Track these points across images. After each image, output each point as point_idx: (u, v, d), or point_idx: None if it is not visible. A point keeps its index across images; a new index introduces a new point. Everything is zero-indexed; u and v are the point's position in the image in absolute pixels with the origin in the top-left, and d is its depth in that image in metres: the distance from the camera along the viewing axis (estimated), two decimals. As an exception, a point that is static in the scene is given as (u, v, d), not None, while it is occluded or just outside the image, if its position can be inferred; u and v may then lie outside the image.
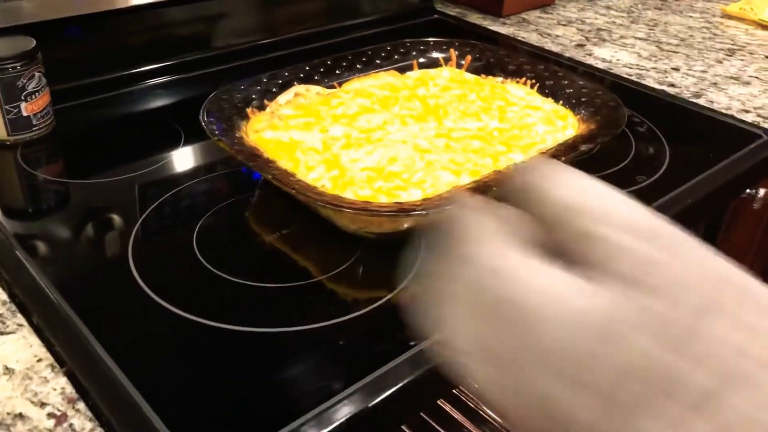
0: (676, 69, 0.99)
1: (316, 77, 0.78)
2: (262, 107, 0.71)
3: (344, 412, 0.43)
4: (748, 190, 0.82)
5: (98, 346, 0.47)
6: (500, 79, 0.82)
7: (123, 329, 0.50)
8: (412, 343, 0.48)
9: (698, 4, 1.31)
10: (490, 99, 0.76)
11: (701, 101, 0.89)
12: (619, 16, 1.21)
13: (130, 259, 0.56)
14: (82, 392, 0.45)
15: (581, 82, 0.76)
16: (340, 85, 0.78)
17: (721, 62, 1.02)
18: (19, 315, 0.51)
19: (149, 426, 0.42)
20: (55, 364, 0.47)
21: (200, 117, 0.63)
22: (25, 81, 0.71)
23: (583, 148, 0.63)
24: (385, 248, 0.59)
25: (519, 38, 1.09)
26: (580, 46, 1.07)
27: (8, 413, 0.43)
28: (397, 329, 0.51)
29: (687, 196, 0.68)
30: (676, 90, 0.92)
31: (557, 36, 1.10)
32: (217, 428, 0.43)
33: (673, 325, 0.21)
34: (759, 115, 0.85)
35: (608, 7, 1.26)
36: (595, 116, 0.71)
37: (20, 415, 0.43)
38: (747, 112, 0.86)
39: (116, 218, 0.63)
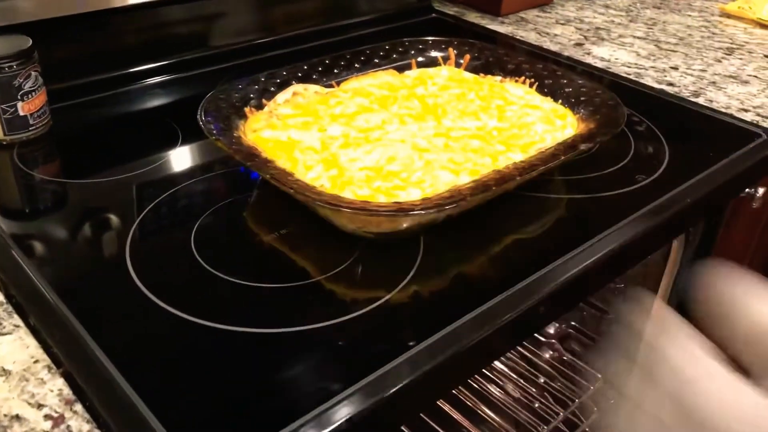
0: (675, 68, 0.99)
1: (314, 76, 0.77)
2: (260, 106, 0.71)
3: (343, 412, 0.43)
4: (747, 189, 0.82)
5: (95, 347, 0.47)
6: (499, 78, 0.81)
7: (120, 330, 0.50)
8: (411, 344, 0.48)
9: (697, 2, 1.31)
10: (488, 98, 0.75)
11: (700, 100, 0.89)
12: (618, 15, 1.21)
13: (127, 260, 0.56)
14: (80, 393, 0.44)
15: (580, 81, 0.76)
16: (338, 84, 0.78)
17: (719, 61, 1.02)
18: (15, 316, 0.51)
19: (147, 428, 0.41)
20: (52, 365, 0.46)
21: (198, 116, 0.63)
22: (21, 80, 0.70)
23: (583, 147, 0.63)
24: (383, 248, 0.59)
25: (517, 37, 1.09)
26: (579, 45, 1.07)
27: (5, 415, 0.43)
28: (396, 329, 0.51)
29: (686, 195, 0.68)
30: (675, 89, 0.92)
31: (556, 35, 1.10)
32: (215, 430, 0.43)
33: None
34: (758, 114, 0.85)
35: (607, 6, 1.26)
36: (595, 115, 0.70)
37: (17, 417, 0.43)
38: (746, 111, 0.86)
39: (113, 218, 0.62)
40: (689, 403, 0.24)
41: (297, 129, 0.67)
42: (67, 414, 0.43)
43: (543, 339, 1.05)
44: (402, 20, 1.12)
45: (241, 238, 0.62)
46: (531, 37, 1.09)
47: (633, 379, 0.27)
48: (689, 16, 1.23)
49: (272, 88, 0.73)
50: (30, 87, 0.71)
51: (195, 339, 0.49)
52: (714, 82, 0.95)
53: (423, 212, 0.53)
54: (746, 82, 0.95)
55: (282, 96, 0.73)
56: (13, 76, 0.70)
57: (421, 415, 0.80)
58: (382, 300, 0.53)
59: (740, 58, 1.04)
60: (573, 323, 1.03)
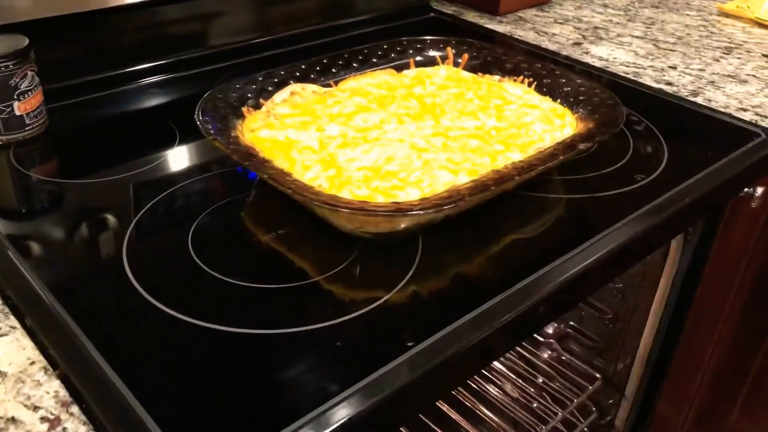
0: (673, 67, 0.99)
1: (312, 76, 0.77)
2: (257, 106, 0.71)
3: (342, 413, 0.43)
4: (746, 189, 0.82)
5: (92, 348, 0.47)
6: (497, 77, 0.81)
7: (117, 331, 0.50)
8: (410, 344, 0.48)
9: (695, 2, 1.31)
10: (487, 97, 0.75)
11: (699, 99, 0.89)
12: (616, 15, 1.21)
13: (124, 260, 0.56)
14: (76, 395, 0.44)
15: (579, 81, 0.76)
16: (336, 83, 0.78)
17: (718, 60, 1.02)
18: (11, 317, 0.50)
19: (144, 430, 0.41)
20: (49, 366, 0.46)
21: (195, 116, 0.63)
22: (17, 80, 0.70)
23: (582, 146, 0.63)
24: (382, 248, 0.59)
25: (516, 36, 1.08)
26: (577, 44, 1.07)
27: (1, 417, 0.42)
28: (395, 330, 0.51)
29: (685, 195, 0.68)
30: (674, 88, 0.92)
31: (554, 34, 1.10)
32: (213, 431, 0.43)
33: None
34: (757, 114, 0.85)
35: (605, 5, 1.26)
36: (593, 115, 0.70)
37: (13, 419, 0.42)
38: (745, 110, 0.86)
39: (110, 218, 0.62)
40: None
41: (295, 129, 0.66)
42: (64, 416, 0.43)
43: (542, 339, 1.05)
44: (400, 19, 1.12)
45: (239, 238, 0.61)
46: (529, 36, 1.09)
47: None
48: (687, 15, 1.23)
49: (270, 88, 0.73)
50: (26, 86, 0.71)
51: (192, 340, 0.48)
52: (712, 82, 0.94)
53: (421, 212, 0.53)
54: (745, 81, 0.95)
55: (280, 95, 0.73)
56: (9, 76, 0.69)
57: (420, 415, 0.80)
58: (381, 300, 0.52)
59: (738, 58, 1.04)
60: (572, 323, 1.03)
